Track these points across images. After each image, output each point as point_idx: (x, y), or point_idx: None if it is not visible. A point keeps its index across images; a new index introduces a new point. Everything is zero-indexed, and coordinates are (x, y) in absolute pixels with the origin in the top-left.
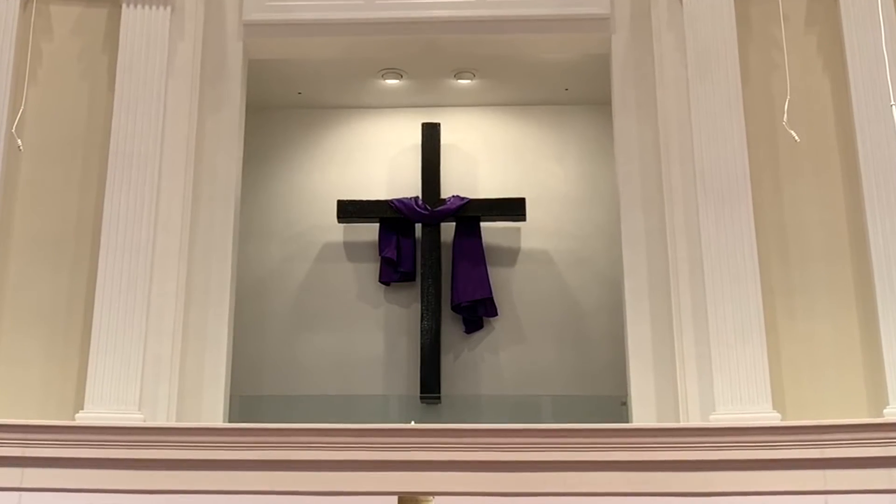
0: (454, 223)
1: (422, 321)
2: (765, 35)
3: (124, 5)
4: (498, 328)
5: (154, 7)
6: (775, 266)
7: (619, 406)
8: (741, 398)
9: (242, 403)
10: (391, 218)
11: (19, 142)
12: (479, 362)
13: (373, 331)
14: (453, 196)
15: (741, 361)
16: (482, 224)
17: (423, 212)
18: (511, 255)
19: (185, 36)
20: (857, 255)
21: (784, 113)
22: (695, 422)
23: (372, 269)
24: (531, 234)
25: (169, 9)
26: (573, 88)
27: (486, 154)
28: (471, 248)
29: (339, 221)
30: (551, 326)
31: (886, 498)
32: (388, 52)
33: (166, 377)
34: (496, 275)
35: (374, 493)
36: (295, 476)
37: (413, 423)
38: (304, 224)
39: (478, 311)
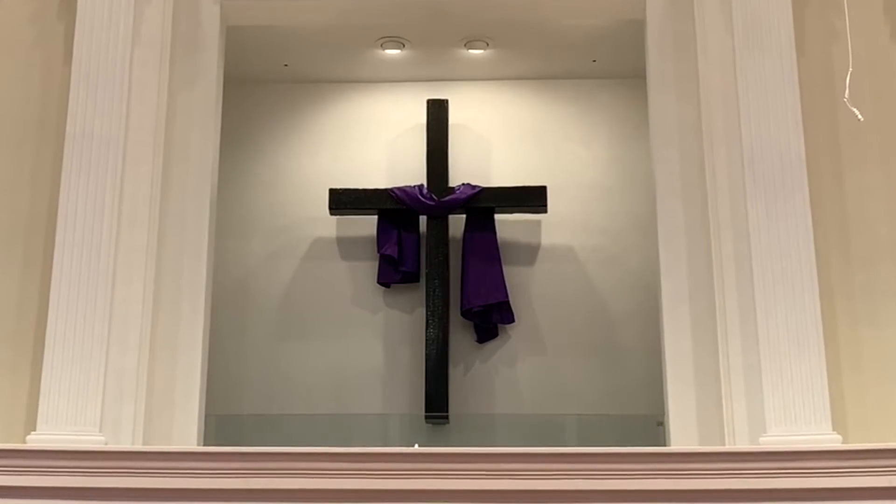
0: (464, 215)
1: (427, 328)
2: None
3: None
4: (515, 337)
5: None
6: (835, 266)
7: (655, 427)
8: (796, 418)
9: (219, 424)
10: (392, 209)
11: None
12: (493, 376)
13: (371, 340)
14: (463, 184)
15: (796, 375)
16: (497, 216)
17: (428, 202)
18: (530, 253)
19: None
20: None
21: (846, 88)
22: (743, 445)
23: (370, 268)
24: (553, 227)
25: None
26: (602, 60)
27: (502, 135)
28: (483, 244)
29: (331, 213)
30: (576, 335)
31: None
32: (388, 17)
33: (131, 394)
34: (513, 275)
35: None
36: None
37: (417, 446)
38: (292, 216)
39: (491, 316)
